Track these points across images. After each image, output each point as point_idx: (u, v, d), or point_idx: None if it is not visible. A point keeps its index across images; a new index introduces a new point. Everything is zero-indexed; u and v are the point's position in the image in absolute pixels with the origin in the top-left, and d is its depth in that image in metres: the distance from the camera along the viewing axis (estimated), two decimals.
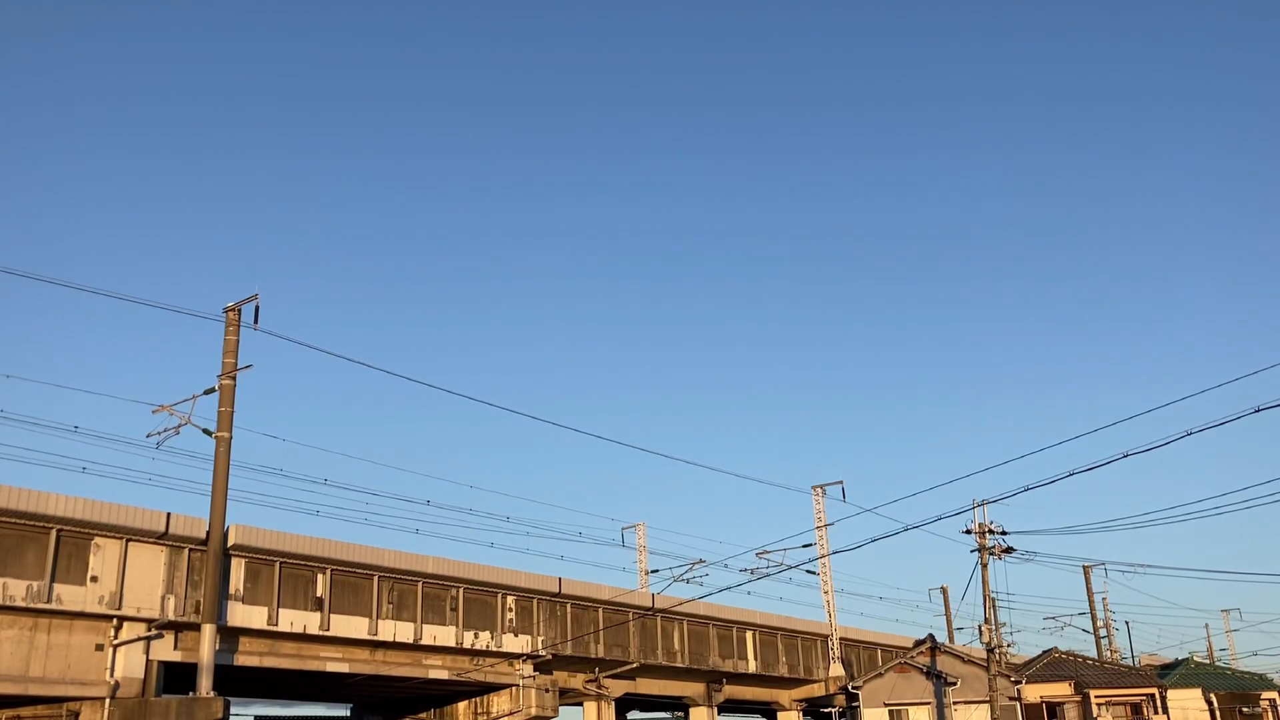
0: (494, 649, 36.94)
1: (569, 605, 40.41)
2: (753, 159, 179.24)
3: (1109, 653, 73.73)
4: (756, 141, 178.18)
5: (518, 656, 37.96)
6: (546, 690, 38.95)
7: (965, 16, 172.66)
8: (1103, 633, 74.53)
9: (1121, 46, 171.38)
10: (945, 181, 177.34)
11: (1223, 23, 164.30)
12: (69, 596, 25.64)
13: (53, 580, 25.37)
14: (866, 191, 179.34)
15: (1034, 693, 49.51)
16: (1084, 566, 73.70)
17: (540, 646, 38.57)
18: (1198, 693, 54.00)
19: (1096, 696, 49.17)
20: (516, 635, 37.90)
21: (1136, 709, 49.63)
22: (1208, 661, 73.22)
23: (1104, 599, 76.46)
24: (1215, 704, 54.35)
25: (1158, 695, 49.49)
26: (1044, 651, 54.75)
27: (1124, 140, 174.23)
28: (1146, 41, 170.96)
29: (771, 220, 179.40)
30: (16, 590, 24.70)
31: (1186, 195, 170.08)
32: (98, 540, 26.48)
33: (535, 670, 38.71)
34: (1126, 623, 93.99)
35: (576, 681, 42.40)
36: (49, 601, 25.23)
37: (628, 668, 42.73)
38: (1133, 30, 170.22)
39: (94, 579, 26.22)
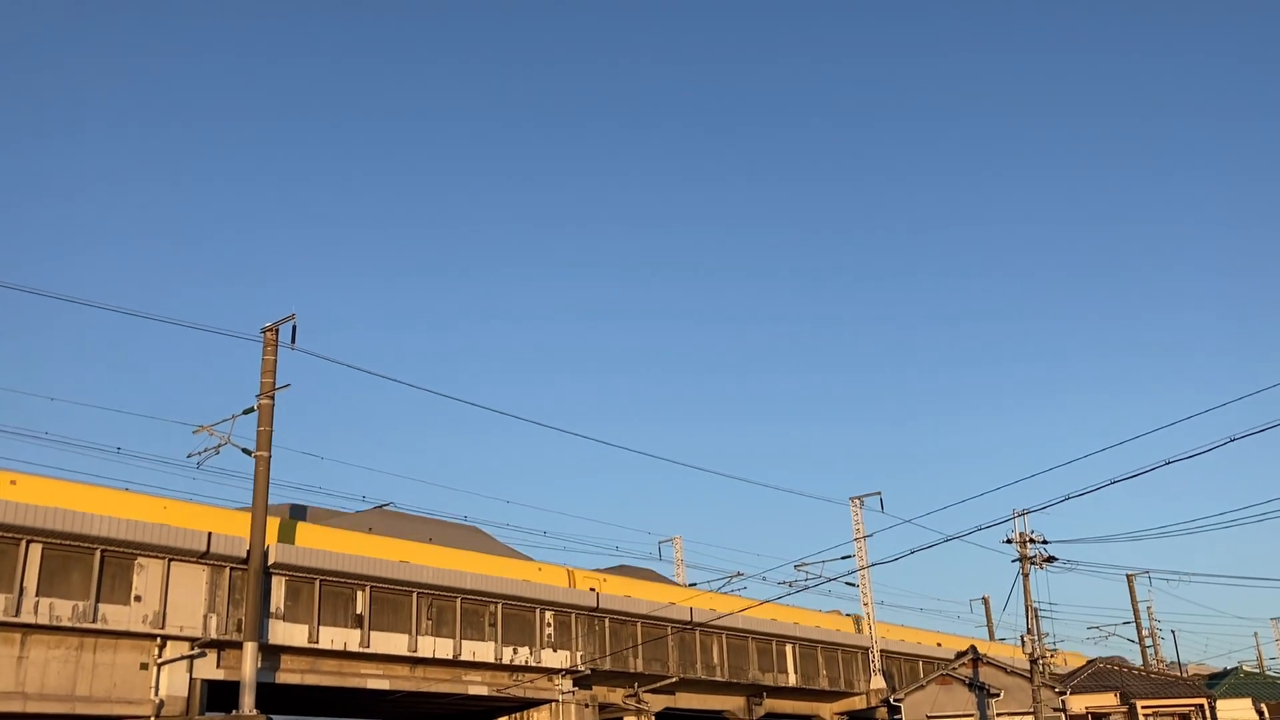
0: (533, 664, 36.94)
1: (607, 620, 40.38)
2: (773, 155, 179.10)
3: (1155, 662, 72.62)
4: (778, 137, 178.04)
5: (557, 672, 37.96)
6: (586, 705, 38.92)
7: (963, 12, 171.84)
8: (1148, 642, 73.48)
9: (1126, 44, 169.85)
10: (967, 179, 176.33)
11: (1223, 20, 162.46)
12: (114, 616, 25.95)
13: (98, 600, 25.69)
14: (904, 190, 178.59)
15: (1079, 703, 48.85)
16: (1127, 575, 72.84)
17: (579, 661, 38.55)
18: (1248, 703, 53.15)
19: (1143, 707, 48.43)
20: (555, 650, 37.90)
21: (1185, 719, 48.82)
22: (1257, 670, 71.93)
23: (1149, 608, 75.39)
24: (1266, 714, 53.46)
25: (1206, 705, 48.68)
26: (1089, 661, 54.04)
27: (1154, 132, 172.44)
28: (1150, 39, 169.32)
29: (809, 221, 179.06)
30: (63, 610, 25.03)
31: (1205, 191, 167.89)
32: (140, 560, 26.79)
33: (574, 685, 38.69)
34: (1173, 631, 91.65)
35: (616, 696, 42.31)
36: (94, 621, 25.54)
37: (667, 682, 42.59)
38: (1137, 26, 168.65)
39: (138, 598, 26.53)
